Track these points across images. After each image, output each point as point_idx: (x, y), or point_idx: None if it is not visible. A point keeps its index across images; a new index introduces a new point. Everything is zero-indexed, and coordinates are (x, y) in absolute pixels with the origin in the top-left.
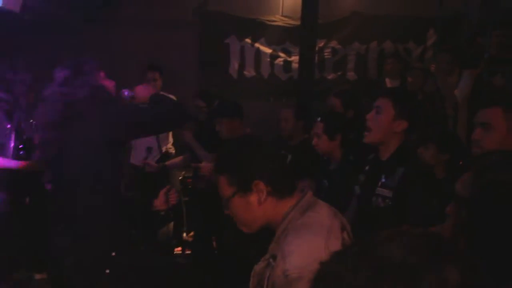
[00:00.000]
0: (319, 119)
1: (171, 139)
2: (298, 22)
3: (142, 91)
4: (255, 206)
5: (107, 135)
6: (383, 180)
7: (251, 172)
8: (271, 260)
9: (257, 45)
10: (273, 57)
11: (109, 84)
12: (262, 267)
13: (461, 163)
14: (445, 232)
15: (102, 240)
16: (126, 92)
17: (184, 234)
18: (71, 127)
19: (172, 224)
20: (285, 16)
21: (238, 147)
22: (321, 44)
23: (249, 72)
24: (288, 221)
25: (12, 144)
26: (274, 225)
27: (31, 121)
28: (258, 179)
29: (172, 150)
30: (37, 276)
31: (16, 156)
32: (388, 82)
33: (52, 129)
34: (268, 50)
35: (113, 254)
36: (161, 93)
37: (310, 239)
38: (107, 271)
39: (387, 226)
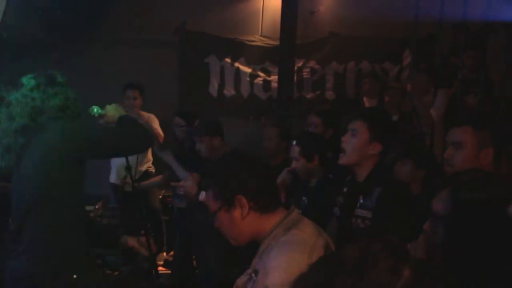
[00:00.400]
0: (294, 142)
1: (150, 158)
2: (277, 42)
3: (112, 110)
4: (238, 220)
5: (65, 154)
6: (361, 201)
7: (234, 187)
8: (253, 274)
9: (236, 64)
10: (253, 76)
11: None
12: (244, 281)
13: (434, 180)
14: (420, 246)
15: (59, 261)
16: (96, 109)
17: (165, 254)
18: (32, 137)
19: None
20: (264, 36)
21: (223, 163)
22: (300, 64)
23: (229, 91)
24: (272, 238)
25: None
26: (260, 239)
27: None
28: (240, 194)
29: (152, 169)
30: None
31: None
32: (366, 101)
33: (16, 135)
34: (248, 70)
35: (74, 276)
36: (140, 112)
37: (293, 257)
38: None
39: None
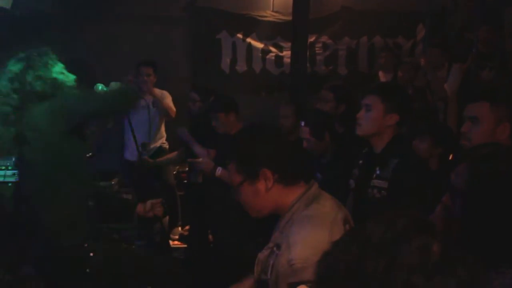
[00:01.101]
0: (302, 123)
1: (164, 134)
2: (288, 18)
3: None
4: (262, 193)
5: (61, 130)
6: (378, 172)
7: (258, 160)
8: (275, 248)
9: (248, 40)
10: (265, 52)
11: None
12: (265, 255)
13: (451, 156)
14: (437, 219)
15: (71, 232)
16: (100, 86)
17: (180, 228)
18: (27, 124)
19: (167, 218)
20: (276, 12)
21: (246, 136)
22: (312, 39)
23: (241, 67)
24: (292, 212)
25: None
26: (281, 212)
27: None
28: (264, 167)
29: (166, 145)
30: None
31: None
32: (382, 76)
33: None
34: (260, 45)
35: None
36: (154, 88)
37: (315, 231)
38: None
39: None
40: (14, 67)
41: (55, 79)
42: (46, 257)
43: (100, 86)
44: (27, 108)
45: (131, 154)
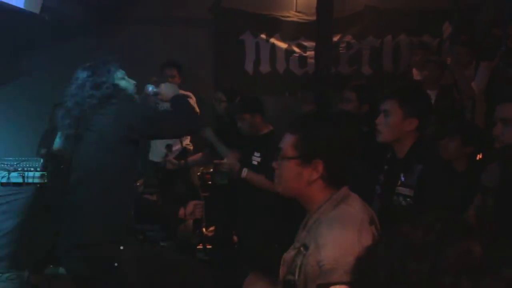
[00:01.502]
0: None
1: (188, 136)
2: (312, 18)
3: (167, 89)
4: (303, 180)
5: (120, 134)
6: (402, 178)
7: (322, 151)
8: (301, 249)
9: (272, 40)
10: (288, 52)
11: (128, 85)
12: (291, 255)
13: (480, 156)
14: (471, 220)
15: (110, 232)
16: (150, 88)
17: (204, 230)
18: (88, 124)
19: (191, 220)
20: (299, 12)
21: (329, 122)
22: (336, 39)
23: (265, 68)
24: (321, 212)
25: None
26: (305, 205)
27: None
28: (321, 160)
29: (190, 147)
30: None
31: None
32: (415, 73)
33: (72, 125)
34: (283, 46)
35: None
36: (181, 91)
37: (344, 232)
38: (116, 264)
39: None
40: (81, 74)
41: (116, 84)
42: (78, 252)
43: (150, 87)
44: (90, 111)
45: (155, 155)
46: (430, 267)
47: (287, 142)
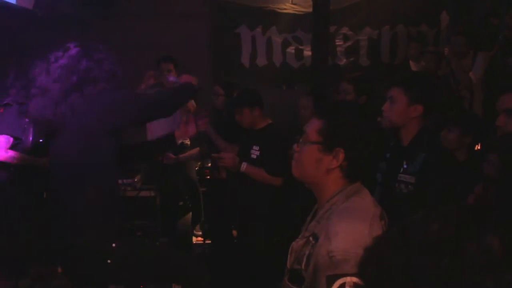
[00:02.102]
0: None
1: None
2: (308, 10)
3: (187, 79)
4: (322, 167)
5: (104, 123)
6: (405, 166)
7: (347, 141)
8: (311, 238)
9: (268, 33)
10: (285, 45)
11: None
12: (300, 244)
13: (478, 146)
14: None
15: (101, 230)
16: (171, 78)
17: (203, 224)
18: (73, 108)
19: (190, 214)
20: (295, 4)
21: (353, 111)
22: (332, 31)
23: (261, 61)
24: (332, 203)
25: (30, 139)
26: (318, 194)
27: None
28: (343, 149)
29: (187, 142)
30: (60, 269)
31: (35, 150)
32: (413, 66)
33: (48, 107)
34: (280, 38)
35: (114, 244)
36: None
37: (355, 224)
38: (108, 261)
39: (411, 212)
40: (73, 49)
41: (110, 69)
42: (72, 251)
43: (171, 78)
44: (74, 96)
45: None
46: (449, 263)
47: (312, 126)
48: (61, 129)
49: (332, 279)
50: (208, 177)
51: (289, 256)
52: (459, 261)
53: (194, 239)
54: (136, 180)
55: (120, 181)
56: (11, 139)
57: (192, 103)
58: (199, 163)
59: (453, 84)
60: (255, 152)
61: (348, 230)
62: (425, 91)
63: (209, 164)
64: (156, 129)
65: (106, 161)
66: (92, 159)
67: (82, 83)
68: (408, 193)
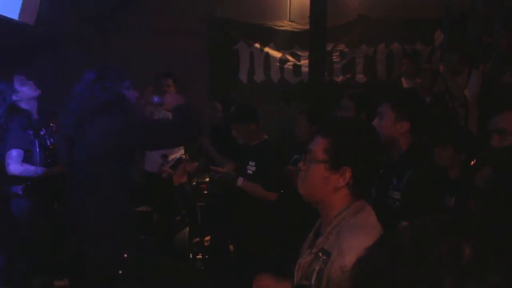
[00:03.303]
0: None
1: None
2: (305, 27)
3: (171, 99)
4: (329, 186)
5: (113, 144)
6: (395, 182)
7: (351, 157)
8: (320, 254)
9: (266, 50)
10: (283, 61)
11: (132, 95)
12: (308, 260)
13: (473, 162)
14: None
15: (111, 243)
16: (155, 99)
17: (200, 239)
18: (85, 129)
19: (187, 229)
20: (293, 21)
21: (359, 129)
22: (329, 48)
23: (259, 77)
24: (340, 219)
25: (37, 150)
26: (323, 211)
27: (51, 124)
28: (351, 168)
29: (185, 157)
30: (57, 283)
31: (42, 162)
32: (405, 82)
33: (71, 127)
34: (277, 55)
35: (125, 255)
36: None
37: (366, 239)
38: (120, 271)
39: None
40: (89, 75)
41: (122, 93)
42: (81, 258)
43: (156, 98)
44: (91, 115)
45: (150, 165)
46: (415, 268)
47: (318, 144)
48: (77, 147)
49: None
50: (205, 192)
51: (296, 272)
52: (423, 264)
53: (190, 253)
54: None
55: None
56: (22, 152)
57: None
58: (196, 178)
59: (448, 101)
60: (251, 168)
61: (360, 244)
62: (413, 108)
63: (207, 179)
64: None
65: (118, 177)
66: (103, 172)
67: (96, 108)
68: (396, 210)
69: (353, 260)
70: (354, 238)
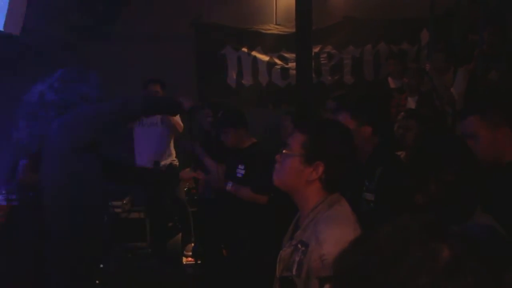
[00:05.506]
0: None
1: (174, 152)
2: (292, 30)
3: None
4: (302, 178)
5: (69, 145)
6: (367, 184)
7: (327, 154)
8: (299, 245)
9: (253, 53)
10: (270, 64)
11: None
12: (288, 252)
13: None
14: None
15: (83, 247)
16: None
17: (193, 245)
18: (44, 137)
19: (180, 235)
20: (279, 25)
21: (335, 128)
22: (317, 50)
23: (247, 81)
24: (316, 212)
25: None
26: (299, 203)
27: None
28: (324, 162)
29: (176, 163)
30: None
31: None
32: (391, 82)
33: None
34: (265, 58)
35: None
36: None
37: (342, 229)
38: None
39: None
40: (49, 79)
41: (83, 92)
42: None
43: None
44: (50, 120)
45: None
46: (390, 268)
47: (296, 139)
48: (39, 155)
49: (324, 280)
50: (196, 197)
51: (278, 265)
52: (399, 265)
53: (184, 259)
54: (125, 202)
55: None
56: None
57: (179, 123)
58: (187, 184)
59: (435, 99)
60: (240, 171)
61: (337, 235)
62: (371, 113)
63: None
64: (144, 153)
65: (88, 178)
66: (70, 178)
67: (53, 108)
68: (369, 212)
69: (330, 248)
70: (330, 229)
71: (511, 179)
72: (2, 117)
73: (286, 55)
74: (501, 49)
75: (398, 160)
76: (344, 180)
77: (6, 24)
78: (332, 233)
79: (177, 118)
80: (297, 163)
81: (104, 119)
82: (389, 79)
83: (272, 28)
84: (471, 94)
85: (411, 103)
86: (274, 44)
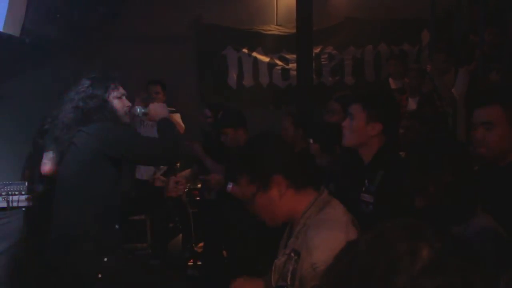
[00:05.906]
0: (311, 141)
1: None
2: (292, 30)
3: (155, 109)
4: (276, 200)
5: (97, 152)
6: (367, 184)
7: (269, 167)
8: (292, 254)
9: (254, 54)
10: (271, 65)
11: (120, 105)
12: (282, 261)
13: None
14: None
15: (91, 247)
16: (138, 109)
17: (194, 245)
18: (71, 139)
19: (181, 236)
20: (280, 25)
21: (252, 146)
22: (317, 50)
23: (248, 82)
24: (306, 217)
25: None
26: (294, 220)
27: None
28: (276, 174)
29: (177, 164)
30: None
31: None
32: (392, 83)
33: (65, 130)
34: (266, 59)
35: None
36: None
37: (332, 233)
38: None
39: None
40: (84, 83)
41: (107, 102)
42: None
43: (138, 109)
44: (74, 124)
45: (142, 174)
46: (369, 269)
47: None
48: (67, 155)
49: None
50: (198, 198)
51: (272, 274)
52: (377, 268)
53: (185, 260)
54: None
55: None
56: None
57: (180, 124)
58: (188, 185)
59: (436, 100)
60: None
61: (326, 240)
62: (385, 109)
63: (199, 185)
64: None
65: (104, 184)
66: (89, 181)
67: (86, 115)
68: (368, 213)
69: (321, 256)
70: (319, 235)
71: (511, 179)
72: (2, 117)
73: (287, 56)
74: (502, 49)
75: (401, 165)
76: (310, 170)
77: (6, 25)
78: (322, 239)
79: (178, 119)
80: (262, 196)
81: (134, 145)
82: (390, 80)
83: (272, 29)
84: (471, 95)
85: (412, 104)
86: (275, 45)
